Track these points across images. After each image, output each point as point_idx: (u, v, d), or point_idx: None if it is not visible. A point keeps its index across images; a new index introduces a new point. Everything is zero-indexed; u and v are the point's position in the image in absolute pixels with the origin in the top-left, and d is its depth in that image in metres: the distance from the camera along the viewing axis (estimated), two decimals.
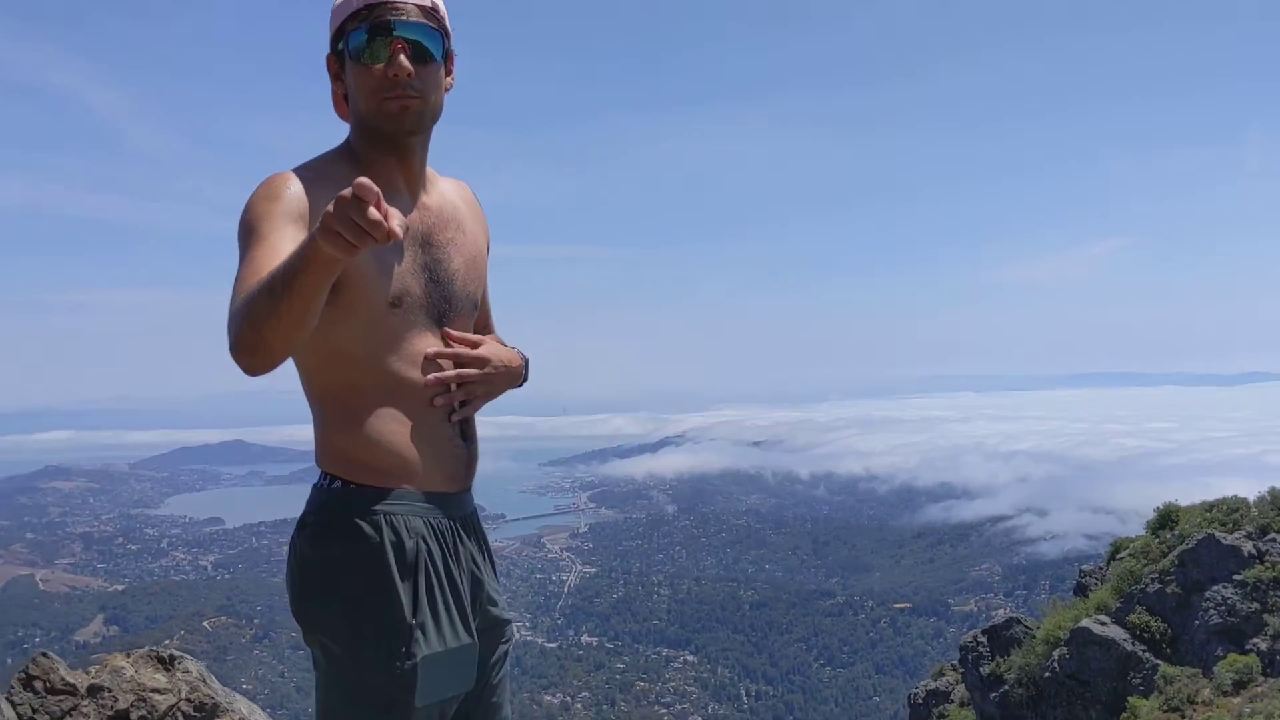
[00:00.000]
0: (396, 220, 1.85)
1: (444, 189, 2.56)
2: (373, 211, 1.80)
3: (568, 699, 66.66)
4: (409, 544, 2.32)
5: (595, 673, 70.44)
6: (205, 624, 70.02)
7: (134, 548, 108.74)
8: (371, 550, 2.29)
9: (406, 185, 2.43)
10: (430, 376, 2.41)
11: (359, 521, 2.31)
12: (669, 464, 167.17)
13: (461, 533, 2.47)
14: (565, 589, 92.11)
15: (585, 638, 79.18)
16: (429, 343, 2.41)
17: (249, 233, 2.20)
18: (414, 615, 2.28)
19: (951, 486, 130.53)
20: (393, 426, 2.36)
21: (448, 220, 2.50)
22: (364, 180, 1.80)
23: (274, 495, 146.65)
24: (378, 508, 2.32)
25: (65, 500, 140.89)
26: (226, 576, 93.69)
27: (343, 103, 2.44)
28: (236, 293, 2.08)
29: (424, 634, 2.28)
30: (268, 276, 1.99)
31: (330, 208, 1.83)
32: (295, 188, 2.27)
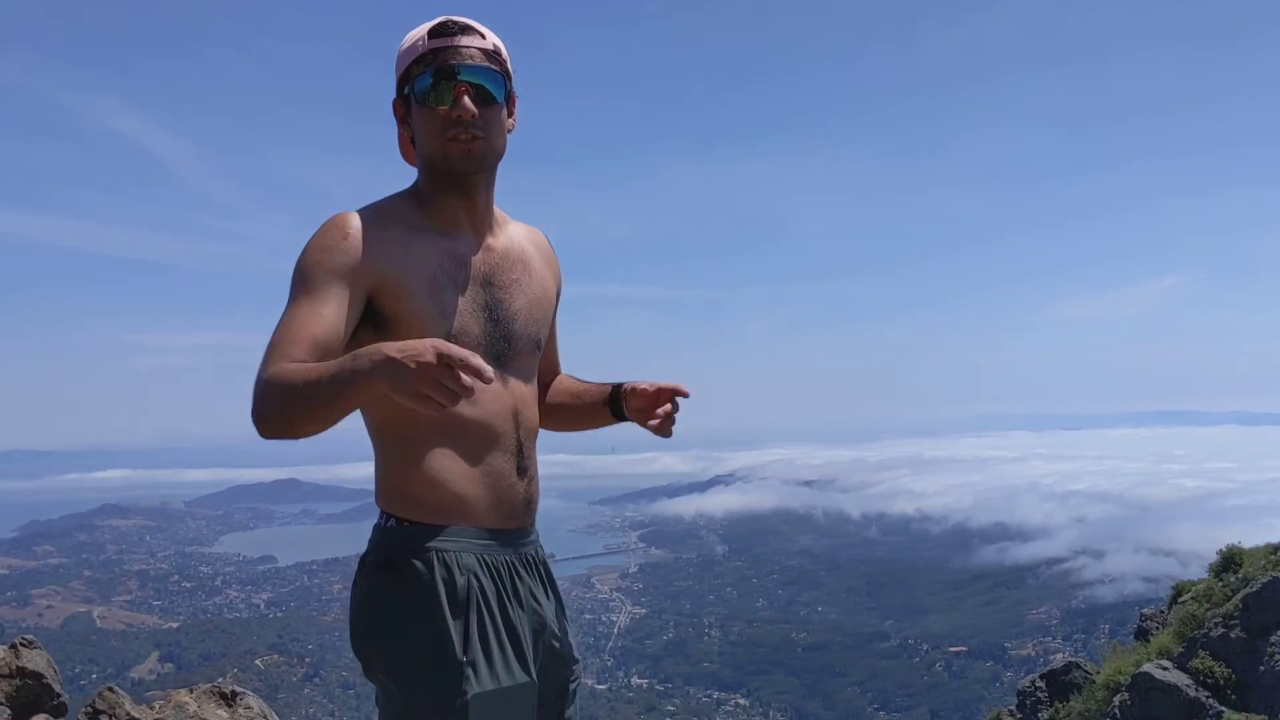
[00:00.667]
0: (476, 361, 1.91)
1: (513, 232, 2.60)
2: (465, 378, 1.90)
3: None
4: (460, 581, 2.31)
5: (646, 715, 69.73)
6: (257, 662, 70.32)
7: (189, 585, 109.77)
8: (423, 587, 2.30)
9: (470, 224, 2.47)
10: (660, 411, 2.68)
11: (411, 559, 2.32)
12: (720, 503, 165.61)
13: (520, 570, 2.46)
14: (615, 630, 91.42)
15: (635, 680, 78.50)
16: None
17: (299, 281, 2.26)
18: (465, 653, 2.27)
19: (1006, 528, 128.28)
20: (449, 464, 2.37)
21: (514, 261, 2.53)
22: (445, 347, 1.90)
23: (325, 534, 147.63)
24: (429, 545, 2.33)
25: (122, 538, 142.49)
26: (279, 615, 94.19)
27: (409, 146, 2.49)
28: (273, 346, 2.15)
29: (475, 671, 2.26)
30: (314, 377, 2.03)
31: (412, 366, 1.89)
32: (354, 233, 2.31)
